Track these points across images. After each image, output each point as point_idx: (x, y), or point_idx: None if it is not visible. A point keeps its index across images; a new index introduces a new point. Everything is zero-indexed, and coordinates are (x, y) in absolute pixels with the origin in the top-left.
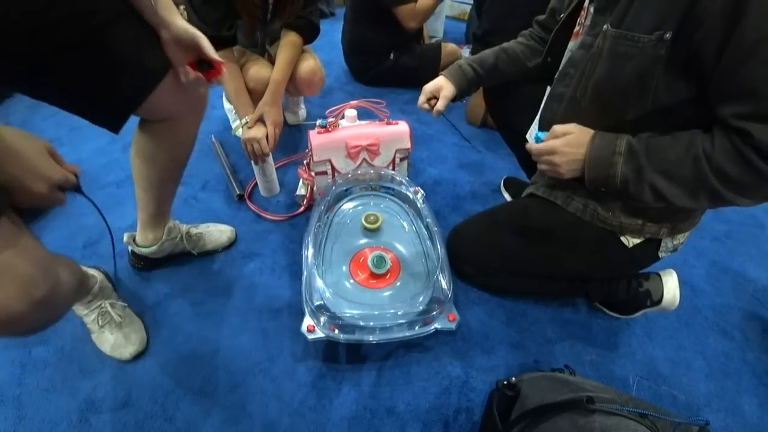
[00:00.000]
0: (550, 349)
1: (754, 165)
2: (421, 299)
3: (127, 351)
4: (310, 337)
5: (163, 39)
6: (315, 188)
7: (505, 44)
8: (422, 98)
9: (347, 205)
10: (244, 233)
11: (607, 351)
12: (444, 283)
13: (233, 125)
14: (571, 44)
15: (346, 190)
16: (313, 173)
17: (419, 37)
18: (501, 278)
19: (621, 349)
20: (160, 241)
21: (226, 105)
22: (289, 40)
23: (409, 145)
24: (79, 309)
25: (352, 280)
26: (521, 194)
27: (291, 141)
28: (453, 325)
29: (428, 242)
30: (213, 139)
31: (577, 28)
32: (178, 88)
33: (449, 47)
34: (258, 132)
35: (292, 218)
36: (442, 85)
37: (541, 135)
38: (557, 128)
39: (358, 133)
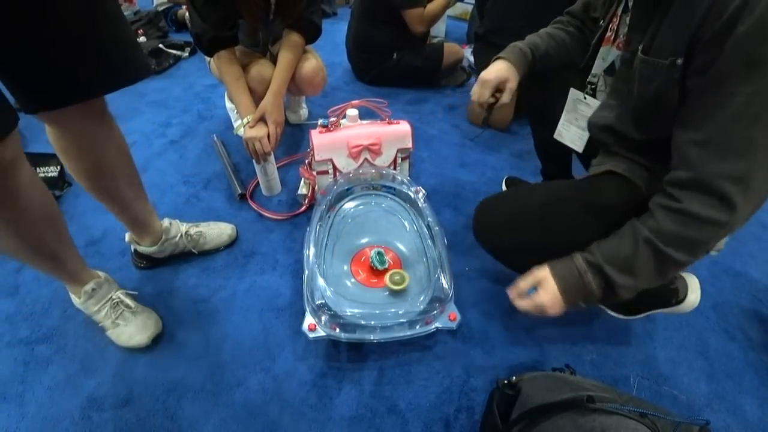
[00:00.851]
0: (551, 348)
1: (691, 212)
2: (421, 299)
3: (146, 335)
4: (311, 335)
5: None
6: (316, 187)
7: (549, 30)
8: (486, 92)
9: (348, 205)
10: (246, 232)
11: (608, 350)
12: (445, 283)
13: (235, 125)
14: (603, 50)
15: (347, 189)
16: (314, 172)
17: (425, 38)
18: (535, 258)
19: (622, 348)
20: (159, 241)
21: (228, 104)
22: (291, 40)
23: (410, 145)
24: (90, 307)
25: (353, 279)
26: None
27: (293, 140)
28: (454, 325)
29: (429, 242)
30: (215, 138)
31: (609, 33)
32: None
33: (452, 47)
34: (259, 131)
35: (293, 217)
36: (508, 77)
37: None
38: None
39: (359, 132)
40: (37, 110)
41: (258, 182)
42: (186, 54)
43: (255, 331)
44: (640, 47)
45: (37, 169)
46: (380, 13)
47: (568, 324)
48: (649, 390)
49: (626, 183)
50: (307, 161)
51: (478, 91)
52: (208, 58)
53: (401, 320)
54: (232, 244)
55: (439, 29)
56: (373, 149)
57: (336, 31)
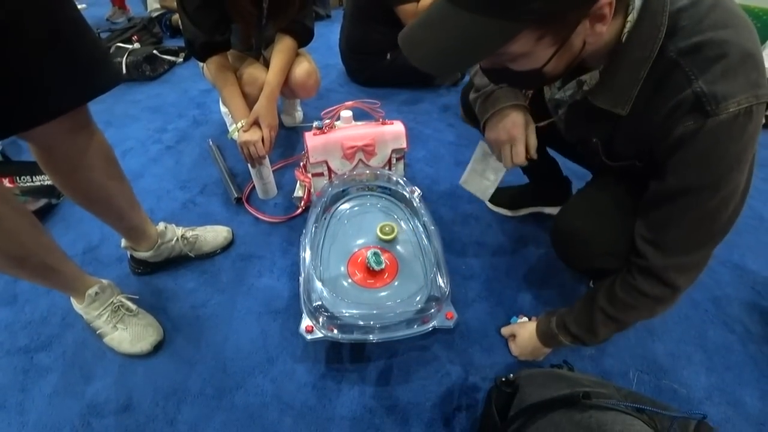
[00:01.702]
0: None
1: (647, 293)
2: (418, 298)
3: (148, 342)
4: (309, 337)
5: None
6: (312, 190)
7: None
8: (522, 148)
9: (344, 206)
10: (243, 235)
11: (607, 346)
12: (441, 282)
13: (230, 129)
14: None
15: (343, 190)
16: (309, 175)
17: None
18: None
19: (621, 343)
20: (155, 245)
21: (223, 109)
22: (283, 43)
23: (405, 145)
24: (91, 311)
25: (350, 280)
26: (511, 203)
27: (288, 143)
28: (451, 323)
29: (425, 241)
30: (210, 143)
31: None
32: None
33: None
34: (253, 135)
35: (290, 220)
36: (526, 121)
37: (515, 319)
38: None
39: (353, 134)
40: (13, 132)
41: (254, 186)
42: (181, 60)
43: (253, 334)
44: (599, 148)
45: (33, 178)
46: (372, 13)
47: None
48: (649, 384)
49: None
50: (302, 164)
51: (514, 152)
52: (201, 63)
53: (399, 320)
54: (228, 246)
55: None
56: (368, 150)
57: (330, 33)
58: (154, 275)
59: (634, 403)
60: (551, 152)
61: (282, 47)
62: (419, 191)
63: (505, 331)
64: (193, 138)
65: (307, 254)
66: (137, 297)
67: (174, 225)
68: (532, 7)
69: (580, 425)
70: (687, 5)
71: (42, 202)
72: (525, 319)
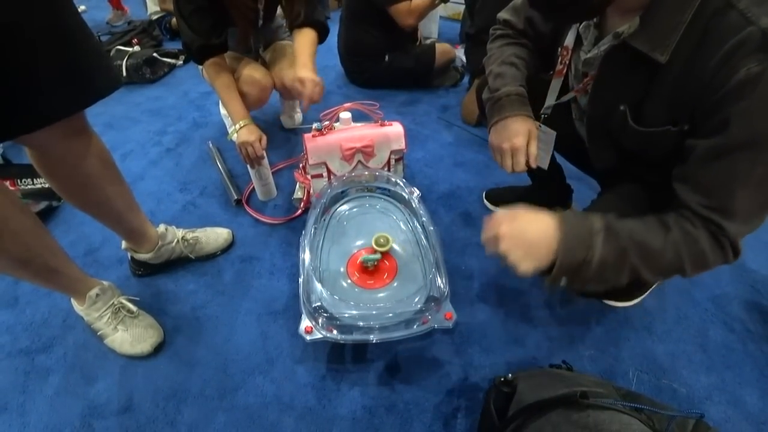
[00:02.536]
0: (549, 345)
1: (727, 255)
2: (417, 298)
3: (148, 344)
4: (309, 338)
5: None
6: (311, 191)
7: (513, 50)
8: (522, 159)
9: (343, 207)
10: (243, 237)
11: (606, 345)
12: (440, 282)
13: (229, 130)
14: (555, 83)
15: (342, 192)
16: (309, 176)
17: (414, 38)
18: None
19: (620, 343)
20: (155, 247)
21: (222, 111)
22: (303, 32)
23: (403, 146)
24: (92, 313)
25: (349, 281)
26: (510, 204)
27: (287, 144)
28: (450, 324)
29: (424, 242)
30: (210, 145)
31: (560, 66)
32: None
33: (443, 46)
34: (251, 135)
35: (289, 221)
36: (529, 129)
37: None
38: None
39: (352, 135)
40: (12, 136)
41: (254, 187)
42: (180, 62)
43: (253, 335)
44: (627, 115)
45: (34, 180)
46: (367, 16)
47: (566, 320)
48: (648, 384)
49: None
50: (301, 165)
51: (515, 161)
52: (200, 66)
53: (398, 321)
54: (228, 248)
55: (431, 30)
56: (367, 151)
57: (329, 34)
58: (154, 277)
59: (633, 403)
60: (558, 158)
61: (304, 35)
62: (418, 192)
63: (500, 214)
64: (193, 140)
65: (306, 255)
66: (138, 299)
67: (174, 227)
68: None
69: (578, 425)
70: None
71: (43, 204)
72: None
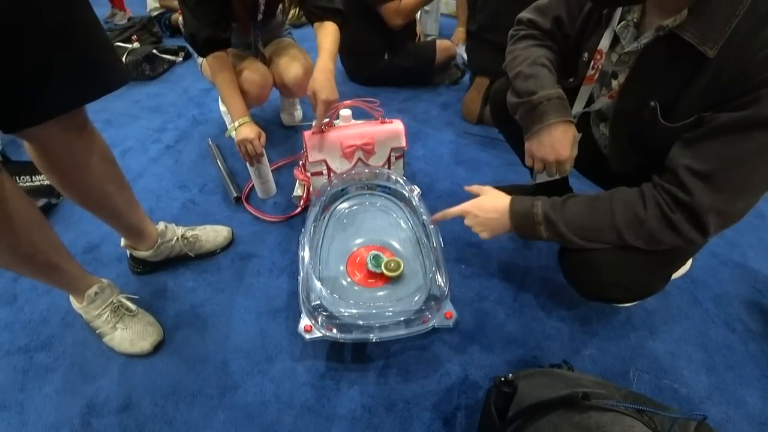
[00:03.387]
0: (549, 344)
1: (677, 227)
2: (417, 297)
3: (148, 342)
4: (308, 337)
5: None
6: (311, 189)
7: (542, 53)
8: (569, 166)
9: (343, 205)
10: (242, 235)
11: (607, 345)
12: (441, 281)
13: (228, 127)
14: (585, 89)
15: (342, 190)
16: (308, 174)
17: (413, 36)
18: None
19: (621, 342)
20: (154, 245)
21: (222, 108)
22: (326, 27)
23: (404, 144)
24: (91, 311)
25: (349, 280)
26: None
27: (287, 142)
28: (450, 323)
29: (425, 240)
30: (210, 142)
31: (591, 72)
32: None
33: (444, 43)
34: (250, 132)
35: (289, 219)
36: (574, 135)
37: None
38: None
39: (352, 132)
40: (17, 129)
41: (253, 185)
42: (180, 59)
43: (252, 334)
44: (657, 111)
45: (33, 177)
46: (360, 15)
47: (567, 319)
48: (649, 384)
49: None
50: (301, 163)
51: (561, 170)
52: (200, 61)
53: (398, 319)
54: (228, 246)
55: (432, 28)
56: (367, 149)
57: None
58: (153, 274)
59: (634, 404)
60: None
61: (326, 30)
62: (418, 190)
63: (472, 188)
64: (193, 137)
65: (306, 253)
66: (137, 297)
67: (174, 225)
68: None
69: (579, 426)
70: None
71: (42, 201)
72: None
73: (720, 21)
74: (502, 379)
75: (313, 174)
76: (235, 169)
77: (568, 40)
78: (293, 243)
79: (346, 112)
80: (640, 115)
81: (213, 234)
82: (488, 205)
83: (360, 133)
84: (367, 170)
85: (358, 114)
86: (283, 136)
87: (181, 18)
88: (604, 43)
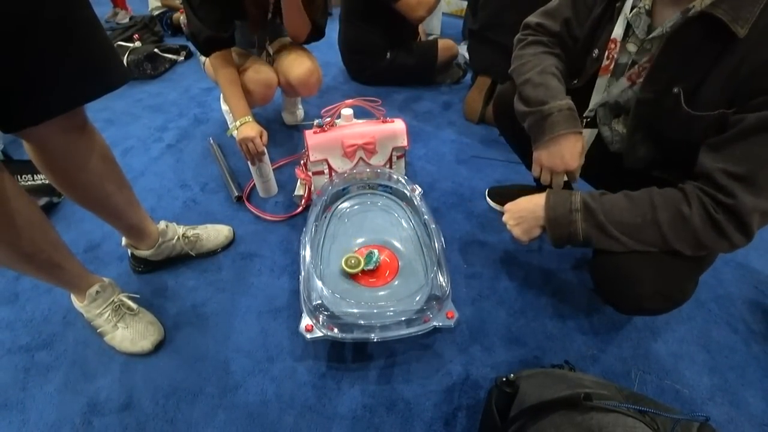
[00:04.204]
0: (551, 344)
1: (723, 229)
2: (419, 297)
3: (149, 341)
4: (309, 336)
5: None
6: (312, 188)
7: (551, 62)
8: (577, 179)
9: (344, 205)
10: (243, 234)
11: (609, 345)
12: (442, 281)
13: (230, 126)
14: (602, 81)
15: (343, 189)
16: (310, 173)
17: (415, 35)
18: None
19: (623, 343)
20: (155, 244)
21: (224, 107)
22: None
23: (405, 143)
24: (92, 310)
25: (350, 279)
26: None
27: (289, 141)
28: (451, 323)
29: (426, 240)
30: (211, 141)
31: (606, 62)
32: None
33: (446, 42)
34: (252, 131)
35: (290, 218)
36: (583, 146)
37: None
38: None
39: (354, 132)
40: (17, 128)
41: (254, 184)
42: (182, 58)
43: (253, 333)
44: (681, 98)
45: (34, 176)
46: (364, 14)
47: (568, 319)
48: (651, 385)
49: None
50: (302, 162)
51: (571, 179)
52: (203, 59)
53: (399, 319)
54: (229, 245)
55: (434, 27)
56: (368, 148)
57: (331, 31)
58: (154, 274)
59: (636, 405)
60: None
61: None
62: (420, 189)
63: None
64: (194, 136)
65: (307, 253)
66: (138, 296)
67: (175, 224)
68: None
69: (581, 427)
70: None
71: (43, 200)
72: None
73: (749, 1)
74: (504, 379)
75: (314, 173)
76: (236, 168)
77: (576, 42)
78: (294, 242)
79: (347, 112)
80: (661, 104)
81: (214, 233)
82: (524, 200)
83: (361, 132)
84: (368, 169)
85: (360, 113)
86: (284, 136)
87: (182, 17)
88: (618, 32)
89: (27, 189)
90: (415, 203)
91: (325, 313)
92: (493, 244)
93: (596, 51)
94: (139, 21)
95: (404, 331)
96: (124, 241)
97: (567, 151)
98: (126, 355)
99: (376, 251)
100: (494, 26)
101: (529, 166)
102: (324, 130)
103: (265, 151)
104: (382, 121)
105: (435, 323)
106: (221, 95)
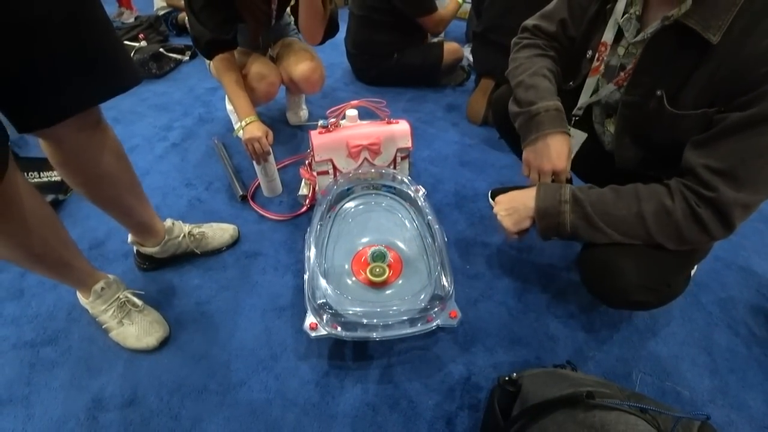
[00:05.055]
0: (553, 345)
1: (704, 222)
2: (422, 297)
3: (154, 338)
4: (313, 334)
5: None
6: (317, 188)
7: (543, 63)
8: (564, 180)
9: (349, 205)
10: (248, 233)
11: (610, 346)
12: (445, 281)
13: (235, 127)
14: (591, 81)
15: (347, 189)
16: (314, 173)
17: (424, 37)
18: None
19: (624, 344)
20: (162, 241)
21: (228, 107)
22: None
23: (410, 144)
24: (97, 306)
25: (354, 278)
26: None
27: (293, 141)
28: (454, 322)
29: (429, 240)
30: (216, 140)
31: (596, 63)
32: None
33: (452, 46)
34: (258, 131)
35: (294, 218)
36: (570, 146)
37: None
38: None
39: (359, 132)
40: (32, 129)
41: (259, 184)
42: (187, 58)
43: (257, 331)
44: (663, 99)
45: (40, 173)
46: (383, 18)
47: (570, 320)
48: (652, 386)
49: None
50: (307, 162)
51: (557, 180)
52: (208, 60)
53: (402, 318)
54: (234, 244)
55: None
56: (373, 149)
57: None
58: (159, 271)
59: (637, 404)
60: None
61: None
62: (424, 190)
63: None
64: (199, 136)
65: (311, 252)
66: (143, 292)
67: (181, 222)
68: None
69: (584, 425)
70: None
71: (49, 198)
72: None
73: (722, 8)
74: (506, 378)
75: (319, 173)
76: (241, 167)
77: (573, 43)
78: (298, 242)
79: (352, 113)
80: (646, 106)
81: (219, 231)
82: (515, 193)
83: (366, 133)
84: (372, 170)
85: (365, 114)
86: (288, 135)
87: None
88: (608, 36)
89: (34, 186)
90: (419, 204)
91: (330, 311)
92: (495, 245)
93: (590, 52)
94: (145, 21)
95: (407, 331)
96: (130, 237)
97: (554, 150)
98: (131, 352)
99: (383, 248)
100: (498, 28)
101: None
102: (329, 131)
103: (271, 150)
104: (387, 122)
105: (438, 323)
106: (225, 96)
